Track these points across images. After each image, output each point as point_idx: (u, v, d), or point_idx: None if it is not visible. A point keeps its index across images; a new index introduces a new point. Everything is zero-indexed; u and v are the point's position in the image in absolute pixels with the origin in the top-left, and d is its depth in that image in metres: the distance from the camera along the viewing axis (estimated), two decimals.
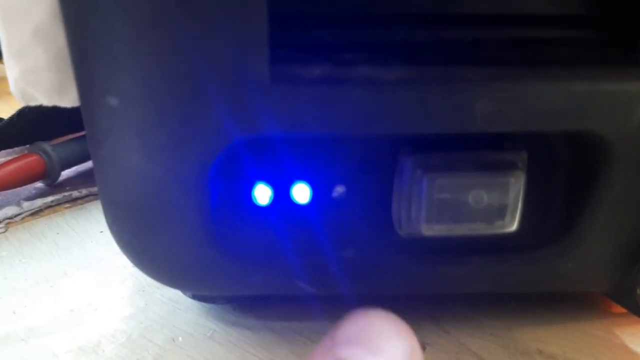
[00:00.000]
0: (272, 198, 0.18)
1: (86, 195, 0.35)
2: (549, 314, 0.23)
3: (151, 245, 0.18)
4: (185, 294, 0.25)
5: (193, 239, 0.17)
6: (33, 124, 0.35)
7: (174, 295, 0.25)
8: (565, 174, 0.19)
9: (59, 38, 0.17)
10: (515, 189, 0.18)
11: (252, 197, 0.18)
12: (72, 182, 0.37)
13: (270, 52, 0.14)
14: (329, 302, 0.24)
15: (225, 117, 0.15)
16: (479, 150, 0.18)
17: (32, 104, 0.19)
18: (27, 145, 0.36)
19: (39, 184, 0.36)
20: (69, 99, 0.18)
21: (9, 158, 0.34)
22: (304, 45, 0.16)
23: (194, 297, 0.24)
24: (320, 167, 0.18)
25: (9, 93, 0.47)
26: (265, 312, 0.24)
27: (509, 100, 0.15)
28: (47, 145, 0.35)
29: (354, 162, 0.19)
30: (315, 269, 0.19)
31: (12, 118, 0.34)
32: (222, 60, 0.14)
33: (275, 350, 0.22)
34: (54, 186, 0.36)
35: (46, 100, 0.19)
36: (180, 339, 0.23)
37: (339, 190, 0.19)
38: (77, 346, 0.22)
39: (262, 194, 0.18)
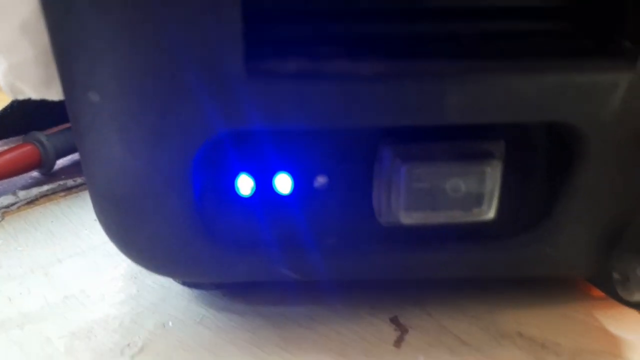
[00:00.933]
0: (254, 189, 0.19)
1: (81, 184, 0.36)
2: (530, 298, 0.24)
3: (137, 234, 0.19)
4: (175, 280, 0.25)
5: (176, 228, 0.18)
6: (27, 114, 0.36)
7: (165, 282, 0.26)
8: (542, 162, 0.19)
9: (46, 33, 0.17)
10: (492, 178, 0.18)
11: (235, 188, 0.19)
12: (67, 170, 0.37)
13: (246, 47, 0.14)
14: (316, 286, 0.24)
15: (203, 112, 0.15)
16: (457, 140, 0.18)
17: (21, 97, 0.19)
18: (22, 136, 0.36)
19: (34, 173, 0.36)
20: (56, 92, 0.19)
21: (5, 148, 0.34)
22: (281, 40, 0.16)
23: (184, 283, 0.25)
24: (301, 158, 0.19)
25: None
26: (254, 298, 0.25)
27: (482, 93, 0.15)
28: (41, 135, 0.36)
29: (335, 153, 0.19)
30: (298, 257, 0.20)
31: (5, 109, 0.34)
32: (199, 56, 0.14)
33: (262, 333, 0.23)
34: (49, 175, 0.36)
35: (34, 94, 0.19)
36: (170, 324, 0.23)
37: (320, 180, 0.19)
38: (70, 331, 0.23)
39: (245, 184, 0.19)
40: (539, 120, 0.16)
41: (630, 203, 0.19)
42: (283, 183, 0.19)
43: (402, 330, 0.23)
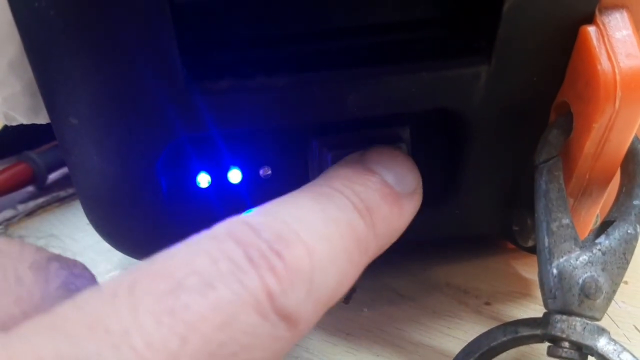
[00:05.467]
0: (210, 182, 0.23)
1: (72, 194, 0.40)
2: (456, 255, 0.29)
3: (118, 228, 0.23)
4: None
5: (149, 220, 0.22)
6: (18, 136, 0.40)
7: None
8: (442, 142, 0.23)
9: (30, 69, 0.21)
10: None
11: (196, 182, 0.23)
12: (59, 183, 0.41)
13: (185, 72, 0.19)
14: None
15: (160, 125, 0.19)
16: (372, 128, 0.22)
17: (14, 124, 0.23)
18: (15, 155, 0.40)
19: (29, 188, 0.40)
20: (43, 117, 0.23)
21: (3, 167, 0.38)
22: (216, 64, 0.20)
23: None
24: (247, 154, 0.23)
25: None
26: None
27: (373, 91, 0.20)
28: (33, 154, 0.40)
29: (276, 148, 0.23)
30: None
31: None
32: (149, 84, 0.18)
33: None
34: (43, 189, 0.40)
35: (25, 120, 0.23)
36: None
37: (265, 171, 0.23)
38: None
39: (203, 179, 0.23)
40: (424, 108, 0.21)
41: (515, 167, 0.23)
42: (234, 176, 0.23)
43: (351, 289, 0.27)
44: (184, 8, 0.18)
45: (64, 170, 0.42)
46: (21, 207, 0.38)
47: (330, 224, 0.15)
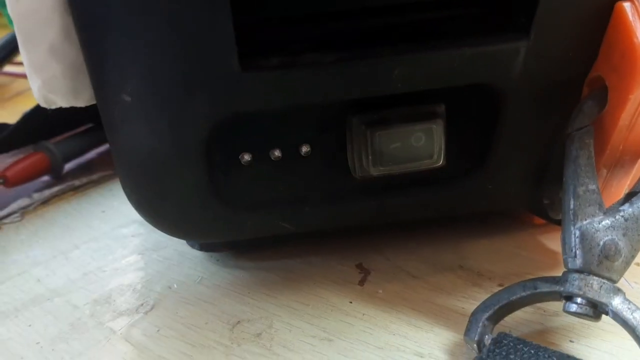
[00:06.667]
0: (255, 160, 0.23)
1: (86, 183, 0.40)
2: (469, 237, 0.29)
3: (163, 206, 0.23)
4: (192, 246, 0.30)
5: (195, 197, 0.23)
6: (36, 127, 0.41)
7: (168, 255, 0.31)
8: (476, 118, 0.24)
9: (70, 53, 0.22)
10: (438, 133, 0.22)
11: (241, 160, 0.23)
12: (74, 173, 0.42)
13: (239, 50, 0.19)
14: (294, 244, 0.29)
15: (210, 102, 0.20)
16: (408, 106, 0.23)
17: (53, 107, 0.24)
18: (32, 145, 0.41)
19: (45, 177, 0.41)
20: (82, 100, 0.23)
21: (20, 156, 0.39)
22: (266, 42, 0.21)
23: (201, 247, 0.30)
24: (287, 133, 0.23)
25: (8, 100, 0.54)
26: (244, 261, 0.29)
27: (417, 67, 0.20)
28: (49, 144, 0.40)
29: (314, 127, 0.23)
30: (293, 211, 0.24)
31: (18, 124, 0.39)
32: (205, 62, 0.19)
33: (250, 285, 0.27)
34: (58, 178, 0.41)
35: (64, 103, 0.23)
36: (175, 286, 0.28)
37: (304, 149, 0.24)
38: (93, 299, 0.28)
39: (247, 157, 0.23)
40: (465, 83, 0.21)
41: (548, 142, 0.23)
42: (275, 153, 0.23)
43: (365, 272, 0.28)
44: None
45: (79, 161, 0.43)
46: (36, 196, 0.39)
47: None
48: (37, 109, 0.38)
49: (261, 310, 0.26)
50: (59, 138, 0.42)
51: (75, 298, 0.28)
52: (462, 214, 0.27)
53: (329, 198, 0.25)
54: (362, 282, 0.27)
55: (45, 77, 0.23)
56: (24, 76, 0.65)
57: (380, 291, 0.26)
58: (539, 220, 0.29)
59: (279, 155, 0.23)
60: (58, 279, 0.30)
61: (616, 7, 0.20)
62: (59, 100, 0.23)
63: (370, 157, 0.23)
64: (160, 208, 0.24)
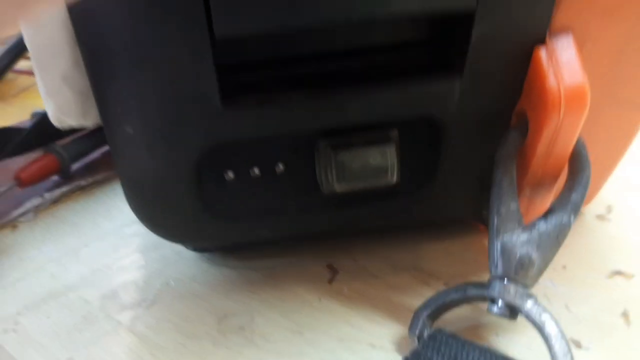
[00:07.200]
0: (238, 176, 0.27)
1: (92, 183, 0.45)
2: (425, 243, 0.33)
3: (159, 214, 0.28)
4: (186, 247, 0.34)
5: (187, 208, 0.27)
6: (46, 130, 0.45)
7: (166, 254, 0.35)
8: (424, 142, 0.27)
9: (80, 81, 0.26)
10: (391, 155, 0.26)
11: (226, 176, 0.27)
12: (80, 173, 0.46)
13: (221, 89, 0.23)
14: (276, 247, 0.34)
15: (198, 134, 0.24)
16: (366, 131, 0.27)
17: (65, 127, 0.28)
18: (43, 147, 0.45)
19: (54, 177, 0.45)
20: (90, 121, 0.27)
21: (34, 157, 0.43)
22: (245, 83, 0.25)
23: (195, 249, 0.34)
24: (266, 154, 0.27)
25: (14, 96, 0.59)
26: (232, 260, 0.34)
27: (370, 103, 0.24)
28: (58, 146, 0.44)
29: (289, 148, 0.27)
30: (272, 221, 0.29)
31: (30, 130, 0.43)
32: (192, 102, 0.23)
33: (236, 282, 0.32)
34: (66, 178, 0.45)
35: (75, 123, 0.27)
36: (172, 283, 0.33)
37: (280, 167, 0.28)
38: (101, 294, 0.32)
39: (231, 174, 0.27)
40: (410, 115, 0.25)
41: (484, 163, 0.27)
42: (255, 172, 0.27)
43: (334, 272, 0.32)
44: (221, 42, 0.23)
45: (84, 161, 0.47)
46: (47, 195, 0.43)
47: None
48: (46, 115, 0.42)
49: (245, 305, 0.30)
50: (66, 140, 0.46)
51: (86, 293, 0.33)
52: (413, 223, 0.31)
53: (302, 209, 0.29)
54: (330, 281, 0.31)
55: (59, 101, 0.27)
56: (28, 73, 0.68)
57: (346, 289, 0.31)
58: (484, 227, 0.33)
59: (258, 173, 0.28)
60: (70, 275, 0.34)
61: (534, 52, 0.23)
62: (71, 121, 0.28)
63: (334, 175, 0.27)
64: (157, 218, 0.29)
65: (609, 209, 0.35)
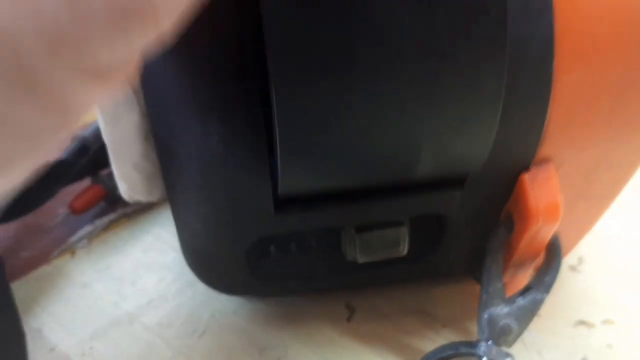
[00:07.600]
0: (278, 250, 0.34)
1: (135, 210, 0.51)
2: (432, 290, 0.40)
3: (215, 276, 0.35)
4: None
5: (235, 271, 0.34)
6: (89, 162, 0.51)
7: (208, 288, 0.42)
8: (430, 225, 0.34)
9: (147, 168, 0.32)
10: (403, 234, 0.32)
11: (269, 249, 0.34)
12: (122, 200, 0.52)
13: (275, 205, 0.29)
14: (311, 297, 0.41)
15: (251, 232, 0.31)
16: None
17: (134, 202, 0.35)
18: (91, 177, 0.51)
19: (101, 204, 0.52)
20: (155, 197, 0.34)
21: (84, 187, 0.49)
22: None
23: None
24: (302, 235, 0.34)
25: None
26: (268, 300, 0.41)
27: (391, 207, 0.31)
28: (104, 176, 0.51)
29: (320, 232, 0.34)
30: (305, 282, 0.36)
31: (74, 161, 0.49)
32: (248, 210, 0.29)
33: (271, 319, 0.39)
34: (112, 205, 0.52)
35: (143, 200, 0.34)
36: (217, 315, 0.40)
37: (312, 243, 0.35)
38: (158, 323, 0.39)
39: (273, 248, 0.34)
40: (424, 214, 0.31)
41: (479, 245, 0.34)
42: (292, 247, 0.35)
43: (352, 310, 0.39)
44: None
45: None
46: (98, 222, 0.49)
47: None
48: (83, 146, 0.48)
49: (279, 339, 0.37)
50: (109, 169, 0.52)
51: (147, 321, 0.39)
52: (421, 279, 0.38)
53: (330, 273, 0.36)
54: (349, 319, 0.38)
55: (130, 183, 0.33)
56: None
57: (361, 327, 0.38)
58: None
59: (294, 248, 0.34)
60: (131, 304, 0.41)
61: (520, 177, 0.30)
62: (139, 197, 0.34)
63: (357, 250, 0.34)
64: (210, 277, 0.36)
65: (580, 260, 0.42)
